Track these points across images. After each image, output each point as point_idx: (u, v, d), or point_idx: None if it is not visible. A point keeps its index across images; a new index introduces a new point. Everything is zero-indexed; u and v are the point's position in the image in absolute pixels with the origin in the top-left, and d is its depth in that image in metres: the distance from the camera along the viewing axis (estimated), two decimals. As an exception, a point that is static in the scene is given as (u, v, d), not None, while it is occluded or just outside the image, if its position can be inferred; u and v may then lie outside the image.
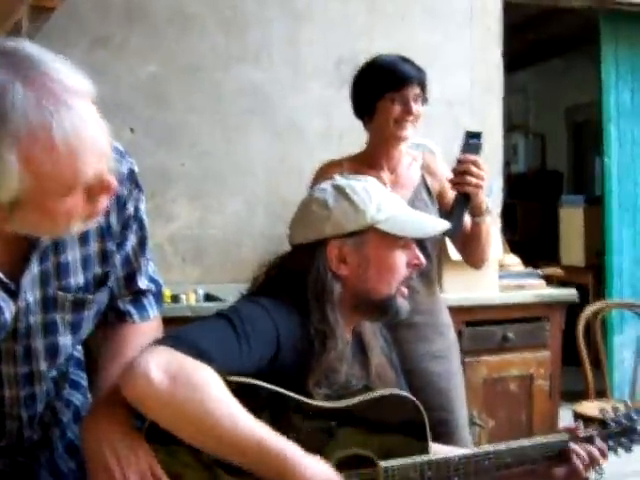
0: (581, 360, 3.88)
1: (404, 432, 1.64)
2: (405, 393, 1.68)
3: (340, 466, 1.51)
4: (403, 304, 1.70)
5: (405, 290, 1.71)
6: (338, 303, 1.65)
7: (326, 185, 1.75)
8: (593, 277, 6.05)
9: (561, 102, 8.18)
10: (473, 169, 2.31)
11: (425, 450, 1.65)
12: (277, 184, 3.90)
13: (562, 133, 8.35)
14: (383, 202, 1.69)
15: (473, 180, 2.31)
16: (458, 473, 1.63)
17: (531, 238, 6.85)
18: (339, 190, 1.70)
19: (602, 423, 1.86)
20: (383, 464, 1.56)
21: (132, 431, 1.42)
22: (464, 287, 3.67)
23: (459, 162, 2.34)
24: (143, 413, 1.40)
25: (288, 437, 1.43)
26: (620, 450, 1.86)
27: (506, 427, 3.70)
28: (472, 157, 2.32)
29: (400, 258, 1.69)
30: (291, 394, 1.51)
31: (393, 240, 1.68)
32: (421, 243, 1.99)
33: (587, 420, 1.91)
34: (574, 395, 4.09)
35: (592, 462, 1.74)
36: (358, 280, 1.67)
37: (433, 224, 1.78)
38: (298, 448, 1.43)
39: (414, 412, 1.65)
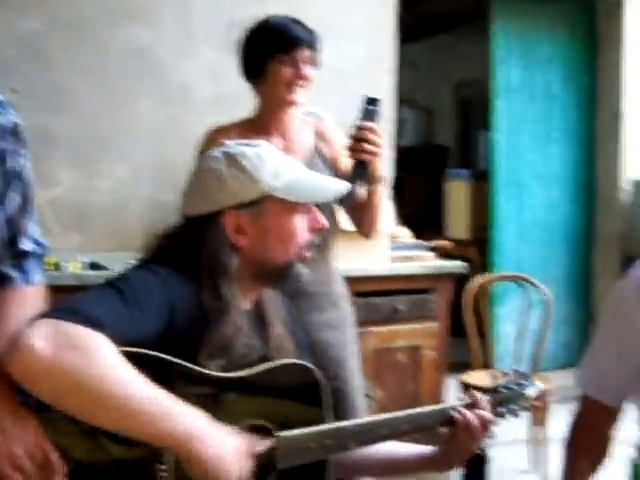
0: (467, 332, 3.95)
1: (302, 401, 1.62)
2: (303, 362, 1.64)
3: (238, 438, 1.46)
4: (303, 269, 1.65)
5: (307, 254, 1.66)
6: (236, 275, 1.60)
7: (217, 153, 1.68)
8: (477, 251, 6.17)
9: (449, 77, 8.29)
10: (370, 136, 2.27)
11: (324, 419, 1.62)
12: (165, 150, 3.78)
13: (449, 108, 8.48)
14: (279, 168, 1.63)
15: (370, 147, 2.27)
16: (357, 440, 1.62)
17: (417, 211, 6.93)
18: (231, 158, 1.64)
19: (493, 390, 1.87)
20: (281, 434, 1.52)
21: (19, 406, 1.35)
22: (354, 257, 3.65)
23: (357, 129, 2.29)
24: (29, 390, 1.31)
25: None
26: (509, 416, 1.89)
27: (394, 397, 3.72)
28: (370, 124, 2.28)
29: (301, 223, 1.64)
30: (183, 363, 1.45)
31: (292, 206, 1.63)
32: None
33: (475, 389, 1.92)
34: (460, 366, 4.16)
35: (483, 427, 1.74)
36: (257, 250, 1.62)
37: (334, 186, 1.73)
38: (202, 415, 1.37)
39: (312, 381, 1.63)
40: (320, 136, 2.61)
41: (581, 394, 2.12)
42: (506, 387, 1.89)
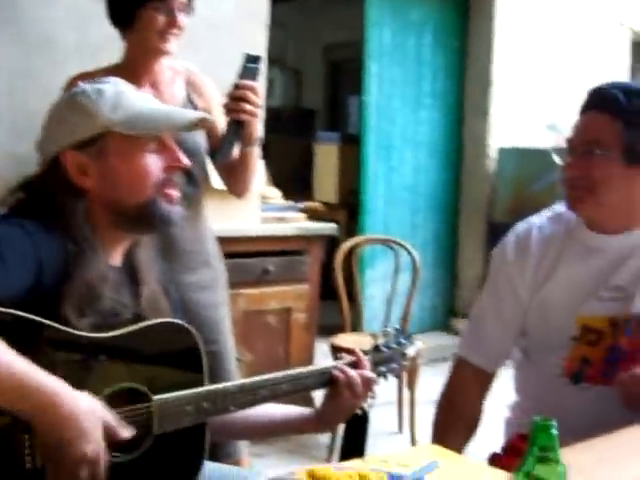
0: (338, 294, 3.92)
1: (179, 364, 1.52)
2: (180, 321, 1.54)
3: (111, 401, 1.35)
4: (171, 209, 1.54)
5: (173, 193, 1.55)
6: (92, 221, 1.48)
7: (64, 94, 1.58)
8: (346, 214, 6.17)
9: (320, 39, 8.22)
10: (250, 96, 2.18)
11: (201, 382, 1.53)
12: (23, 100, 3.55)
13: (319, 70, 8.41)
14: (120, 101, 1.50)
15: (249, 107, 2.18)
16: (235, 403, 1.54)
17: (285, 174, 6.85)
18: (71, 96, 1.53)
19: (375, 349, 1.83)
20: (157, 398, 1.42)
21: None
22: (224, 217, 3.55)
23: (236, 87, 2.18)
24: None
25: (48, 372, 1.25)
26: (390, 375, 1.85)
27: (264, 361, 3.66)
28: (250, 83, 2.18)
29: (152, 161, 1.51)
30: (51, 323, 1.32)
31: (140, 142, 1.50)
32: (187, 170, 1.83)
33: (347, 351, 1.88)
34: (330, 329, 4.13)
35: (365, 386, 1.69)
36: (105, 192, 1.49)
37: (182, 116, 1.61)
38: (62, 382, 1.25)
39: (190, 343, 1.53)
40: (193, 88, 2.49)
41: (458, 355, 2.10)
42: (387, 346, 1.85)
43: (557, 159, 2.02)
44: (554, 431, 1.17)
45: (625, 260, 1.90)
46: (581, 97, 1.93)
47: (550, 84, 6.09)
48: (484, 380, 2.06)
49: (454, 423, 2.01)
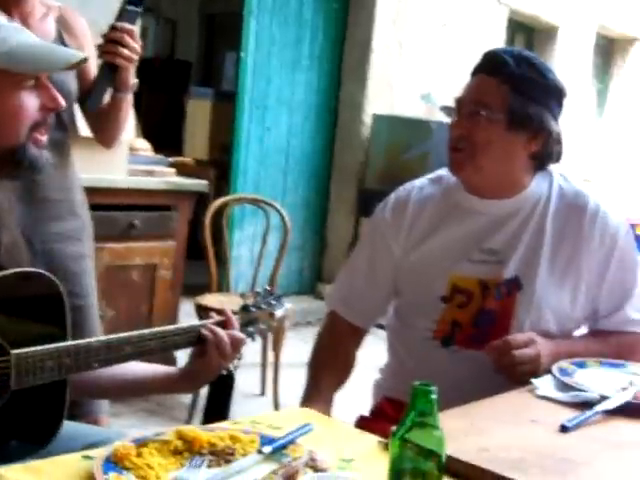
0: (206, 253, 3.82)
1: (41, 316, 1.42)
2: (42, 271, 1.43)
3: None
4: (39, 154, 1.43)
5: (42, 138, 1.44)
6: None
7: None
8: (216, 172, 6.06)
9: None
10: (127, 39, 2.09)
11: (64, 337, 1.43)
12: None
13: (195, 22, 8.19)
14: None
15: (125, 52, 2.10)
16: (99, 360, 1.45)
17: (155, 127, 6.66)
18: None
19: (244, 309, 1.78)
20: (15, 352, 1.32)
21: None
22: (90, 167, 3.38)
23: (113, 29, 2.10)
24: None
25: None
26: (257, 336, 1.81)
27: (126, 318, 3.54)
28: (128, 26, 2.09)
29: (27, 100, 1.40)
30: None
31: (16, 78, 1.39)
32: (57, 114, 1.72)
33: (214, 311, 1.83)
34: (196, 289, 4.04)
35: (234, 346, 1.64)
36: None
37: (65, 54, 1.51)
38: None
39: (51, 294, 1.44)
40: (65, 26, 2.34)
41: (329, 311, 2.09)
42: (256, 306, 1.80)
43: (446, 118, 2.02)
44: (433, 396, 1.15)
45: (501, 224, 1.92)
46: (458, 70, 1.94)
47: (428, 55, 6.15)
48: (357, 334, 2.06)
49: (328, 367, 1.98)
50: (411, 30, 6.04)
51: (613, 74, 10.10)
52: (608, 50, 9.95)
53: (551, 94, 1.90)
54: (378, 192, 2.06)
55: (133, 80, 2.25)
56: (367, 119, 5.85)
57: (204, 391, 1.76)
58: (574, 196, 1.95)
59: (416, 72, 6.08)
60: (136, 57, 2.14)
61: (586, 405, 1.60)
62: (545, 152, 1.91)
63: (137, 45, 2.12)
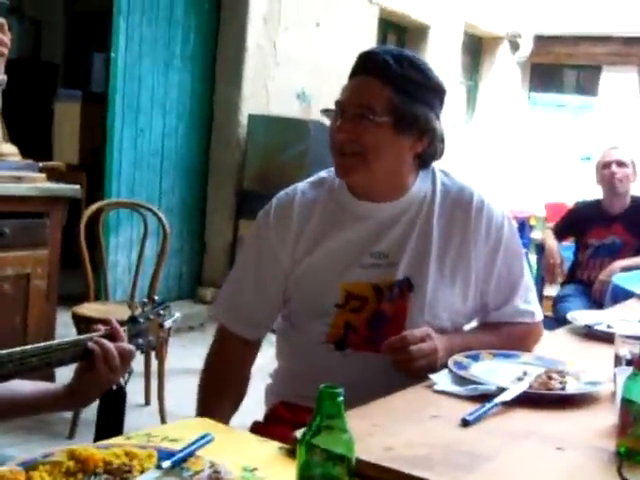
0: (82, 261, 3.67)
1: None
2: None
3: None
4: None
5: None
6: None
7: None
8: (87, 176, 5.86)
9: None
10: None
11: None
12: None
13: (59, 22, 7.92)
14: None
15: None
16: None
17: (22, 131, 6.39)
18: None
19: (132, 320, 1.70)
20: None
21: None
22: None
23: None
24: None
25: None
26: (147, 347, 1.75)
27: (-1, 332, 3.37)
28: None
29: None
30: None
31: None
32: None
33: (99, 321, 1.74)
34: (72, 298, 3.88)
35: (123, 359, 1.57)
36: None
37: None
38: None
39: None
40: None
41: (218, 325, 2.02)
42: (145, 317, 1.73)
43: (326, 121, 1.98)
44: (340, 398, 1.12)
45: (389, 227, 1.90)
46: (332, 70, 1.91)
47: (303, 55, 6.14)
48: (248, 348, 1.99)
49: (221, 392, 1.92)
50: (284, 29, 6.02)
51: (482, 72, 10.41)
52: (476, 49, 10.24)
53: (433, 93, 1.88)
54: (256, 193, 2.01)
55: (2, 76, 2.14)
56: (243, 119, 5.79)
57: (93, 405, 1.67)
58: (458, 192, 1.94)
59: (291, 72, 6.06)
60: (5, 51, 2.03)
61: (484, 397, 1.60)
62: (430, 151, 1.90)
63: (6, 38, 2.01)
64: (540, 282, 4.84)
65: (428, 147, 1.88)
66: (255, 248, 1.98)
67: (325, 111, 1.95)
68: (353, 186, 1.92)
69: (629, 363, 1.54)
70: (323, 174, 1.99)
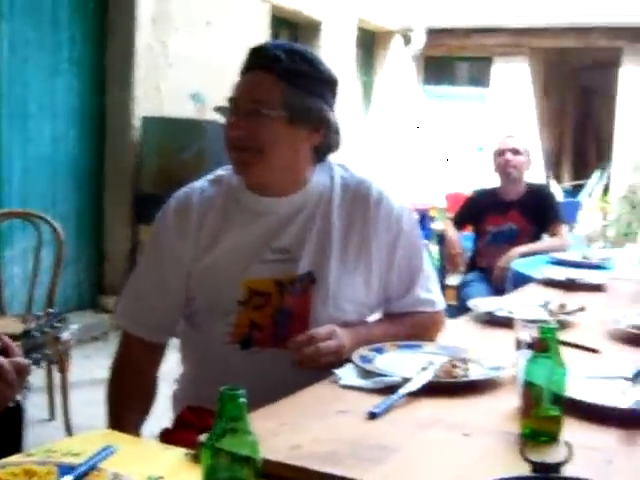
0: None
1: None
2: None
3: None
4: None
5: None
6: None
7: None
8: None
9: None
10: None
11: None
12: None
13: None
14: None
15: None
16: None
17: None
18: None
19: (26, 334, 1.64)
20: None
21: None
22: None
23: None
24: None
25: None
26: (44, 362, 1.68)
27: None
28: None
29: None
30: None
31: None
32: None
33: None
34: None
35: (19, 375, 1.50)
36: None
37: None
38: None
39: None
40: None
41: (122, 331, 1.98)
42: (40, 330, 1.67)
43: (221, 119, 1.95)
44: (242, 400, 1.09)
45: (289, 222, 1.89)
46: (225, 68, 1.88)
47: (194, 54, 6.07)
48: (154, 351, 1.95)
49: (129, 399, 1.88)
50: (175, 29, 5.95)
51: (376, 66, 10.52)
52: (370, 43, 10.34)
53: (326, 85, 1.89)
54: (155, 196, 1.96)
55: None
56: (136, 122, 5.68)
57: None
58: (356, 185, 1.95)
59: (184, 72, 5.99)
60: None
61: (390, 389, 1.60)
62: (326, 144, 1.90)
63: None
64: (442, 272, 4.91)
65: (324, 139, 1.88)
66: (155, 249, 1.95)
67: (218, 109, 1.92)
68: (250, 182, 1.90)
69: (529, 347, 1.56)
70: (220, 171, 1.97)
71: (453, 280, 4.93)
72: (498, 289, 3.99)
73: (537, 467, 1.07)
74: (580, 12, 9.79)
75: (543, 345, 1.40)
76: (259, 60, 1.84)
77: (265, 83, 1.81)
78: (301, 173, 1.90)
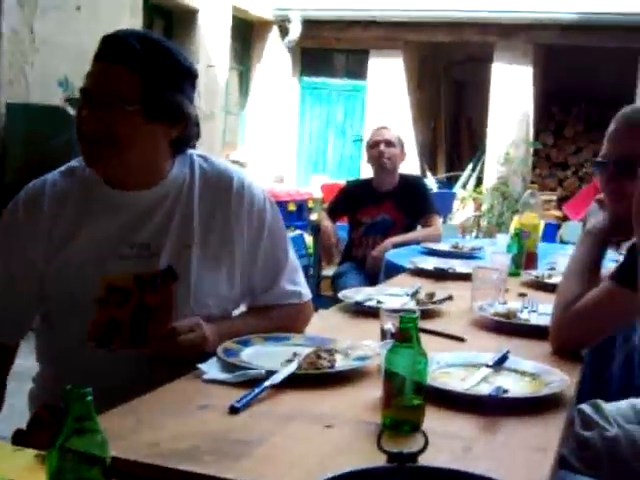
0: None
1: None
2: None
3: None
4: None
5: None
6: None
7: None
8: None
9: None
10: None
11: None
12: None
13: None
14: None
15: None
16: None
17: None
18: None
19: None
20: None
21: None
22: None
23: None
24: None
25: None
26: None
27: None
28: None
29: None
30: None
31: None
32: None
33: None
34: None
35: None
36: None
37: None
38: None
39: None
40: None
41: None
42: None
43: (71, 110, 1.86)
44: (89, 398, 1.04)
45: (148, 216, 1.83)
46: (93, 54, 1.80)
47: (63, 40, 5.87)
48: (4, 352, 1.87)
49: None
50: (42, 13, 5.74)
51: (254, 57, 10.47)
52: (247, 33, 10.28)
53: (184, 77, 1.81)
54: (19, 186, 1.85)
55: None
56: (0, 108, 5.46)
57: None
58: (218, 177, 1.90)
59: (51, 58, 5.78)
60: None
61: (254, 382, 1.57)
62: (185, 136, 1.83)
63: None
64: (318, 263, 4.92)
65: (183, 132, 1.81)
66: (3, 245, 1.84)
67: (68, 100, 1.83)
68: (104, 175, 1.82)
69: (393, 336, 1.56)
70: (74, 163, 1.88)
71: (329, 271, 4.94)
72: (372, 279, 4.01)
73: (393, 457, 1.06)
74: (454, 7, 10.01)
75: (404, 335, 1.40)
76: (112, 50, 1.74)
77: (119, 75, 1.71)
78: (159, 166, 1.83)
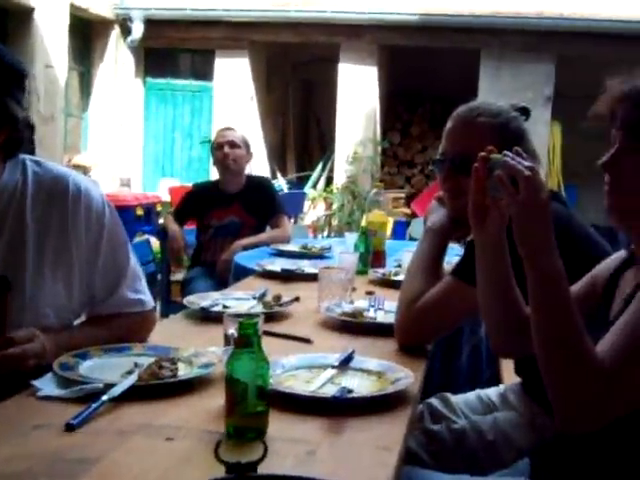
0: None
1: None
2: None
3: None
4: None
5: None
6: None
7: None
8: None
9: None
10: None
11: None
12: None
13: None
14: None
15: None
16: None
17: None
18: None
19: None
20: None
21: None
22: None
23: None
24: None
25: None
26: None
27: None
28: None
29: None
30: None
31: None
32: None
33: None
34: None
35: None
36: None
37: None
38: None
39: None
40: None
41: None
42: None
43: None
44: None
45: None
46: None
47: None
48: None
49: None
50: None
51: (95, 57, 10.19)
52: (87, 33, 9.99)
53: (10, 79, 1.70)
54: None
55: None
56: None
57: None
58: (52, 182, 1.81)
59: None
60: None
61: (92, 397, 1.51)
62: (14, 140, 1.73)
63: None
64: (167, 268, 4.83)
65: (10, 136, 1.71)
66: None
67: None
68: None
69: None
70: None
71: (179, 276, 4.86)
72: (223, 284, 3.97)
73: (231, 467, 1.03)
74: (298, 7, 10.08)
75: (244, 340, 1.38)
76: None
77: None
78: None
